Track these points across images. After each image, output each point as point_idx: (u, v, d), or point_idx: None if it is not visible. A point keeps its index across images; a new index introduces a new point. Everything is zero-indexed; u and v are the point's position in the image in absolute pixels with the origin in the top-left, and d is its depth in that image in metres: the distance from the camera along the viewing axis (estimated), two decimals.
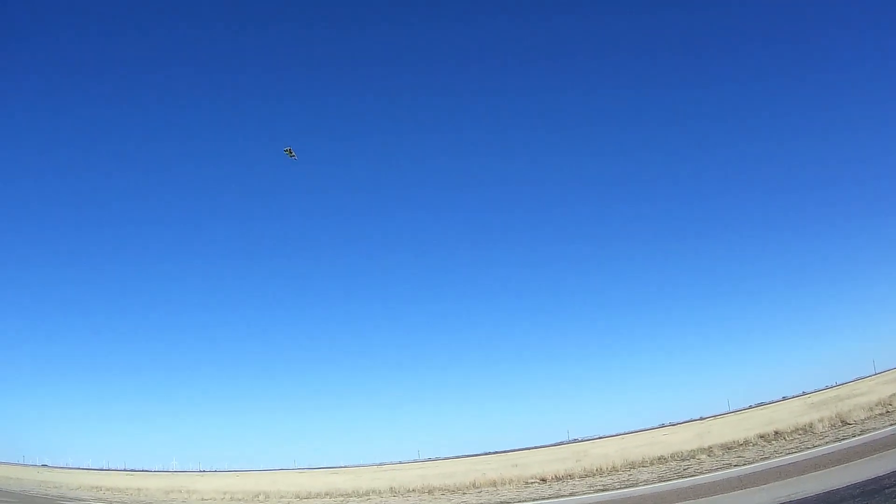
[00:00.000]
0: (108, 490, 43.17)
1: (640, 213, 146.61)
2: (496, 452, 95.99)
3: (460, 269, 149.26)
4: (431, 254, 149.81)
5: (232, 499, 33.39)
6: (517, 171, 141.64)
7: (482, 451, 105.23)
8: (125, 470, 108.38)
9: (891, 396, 25.76)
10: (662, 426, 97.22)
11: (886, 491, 10.43)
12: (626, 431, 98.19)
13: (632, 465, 24.13)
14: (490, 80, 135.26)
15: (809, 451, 18.70)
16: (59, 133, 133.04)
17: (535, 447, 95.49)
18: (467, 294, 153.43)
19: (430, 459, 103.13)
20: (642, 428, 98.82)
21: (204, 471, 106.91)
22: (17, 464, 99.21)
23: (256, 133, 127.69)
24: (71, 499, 35.45)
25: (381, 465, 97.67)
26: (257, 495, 33.42)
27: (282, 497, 32.41)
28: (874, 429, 20.02)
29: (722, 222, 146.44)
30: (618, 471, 23.80)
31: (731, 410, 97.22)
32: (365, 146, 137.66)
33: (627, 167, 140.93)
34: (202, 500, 34.35)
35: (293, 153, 30.42)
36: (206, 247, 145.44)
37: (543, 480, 24.27)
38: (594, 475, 23.77)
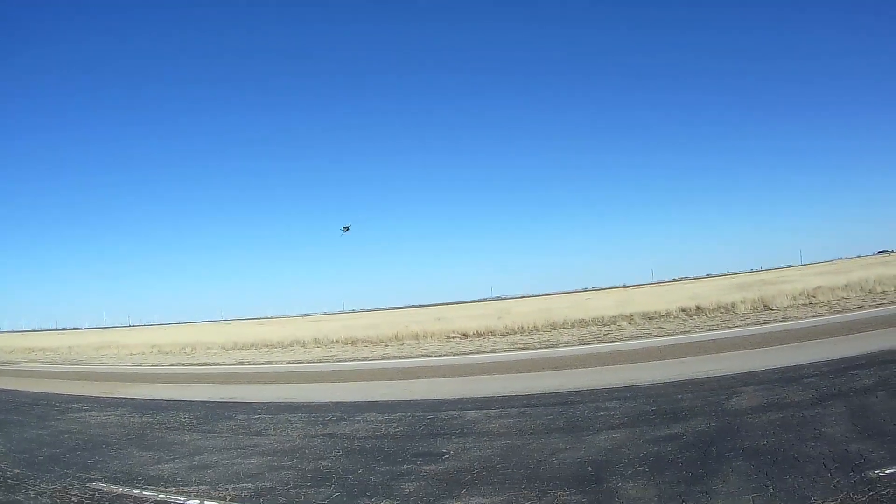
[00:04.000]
0: (40, 351, 43.44)
1: (578, 70, 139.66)
2: (421, 306, 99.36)
3: (395, 116, 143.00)
4: (362, 106, 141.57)
5: (160, 352, 33.79)
6: None
7: (407, 304, 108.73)
8: (57, 329, 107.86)
9: (815, 288, 26.11)
10: (585, 290, 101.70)
11: (805, 381, 10.02)
12: (549, 292, 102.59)
13: (553, 326, 24.12)
14: None
15: (730, 331, 18.61)
16: None
17: (460, 302, 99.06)
18: (401, 144, 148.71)
19: (355, 311, 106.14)
20: (565, 290, 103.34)
21: (133, 325, 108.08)
22: None
23: None
24: (3, 363, 35.22)
25: (307, 315, 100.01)
26: (184, 347, 33.83)
27: (209, 348, 32.73)
28: (796, 317, 20.03)
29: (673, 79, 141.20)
30: (539, 331, 23.76)
31: (655, 281, 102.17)
32: None
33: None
34: (131, 354, 34.63)
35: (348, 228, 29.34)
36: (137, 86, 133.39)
37: (465, 336, 24.11)
38: (515, 333, 23.72)
